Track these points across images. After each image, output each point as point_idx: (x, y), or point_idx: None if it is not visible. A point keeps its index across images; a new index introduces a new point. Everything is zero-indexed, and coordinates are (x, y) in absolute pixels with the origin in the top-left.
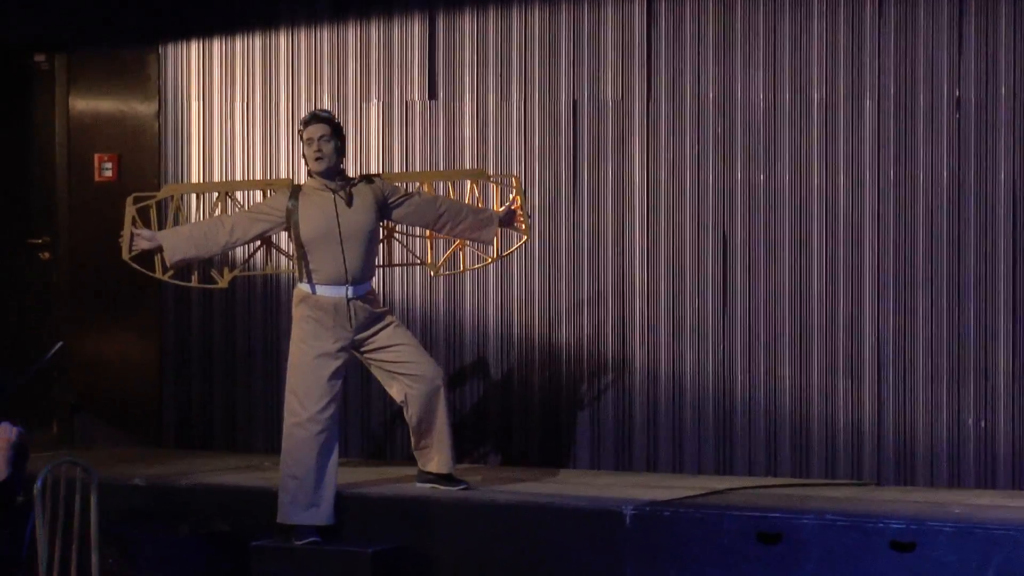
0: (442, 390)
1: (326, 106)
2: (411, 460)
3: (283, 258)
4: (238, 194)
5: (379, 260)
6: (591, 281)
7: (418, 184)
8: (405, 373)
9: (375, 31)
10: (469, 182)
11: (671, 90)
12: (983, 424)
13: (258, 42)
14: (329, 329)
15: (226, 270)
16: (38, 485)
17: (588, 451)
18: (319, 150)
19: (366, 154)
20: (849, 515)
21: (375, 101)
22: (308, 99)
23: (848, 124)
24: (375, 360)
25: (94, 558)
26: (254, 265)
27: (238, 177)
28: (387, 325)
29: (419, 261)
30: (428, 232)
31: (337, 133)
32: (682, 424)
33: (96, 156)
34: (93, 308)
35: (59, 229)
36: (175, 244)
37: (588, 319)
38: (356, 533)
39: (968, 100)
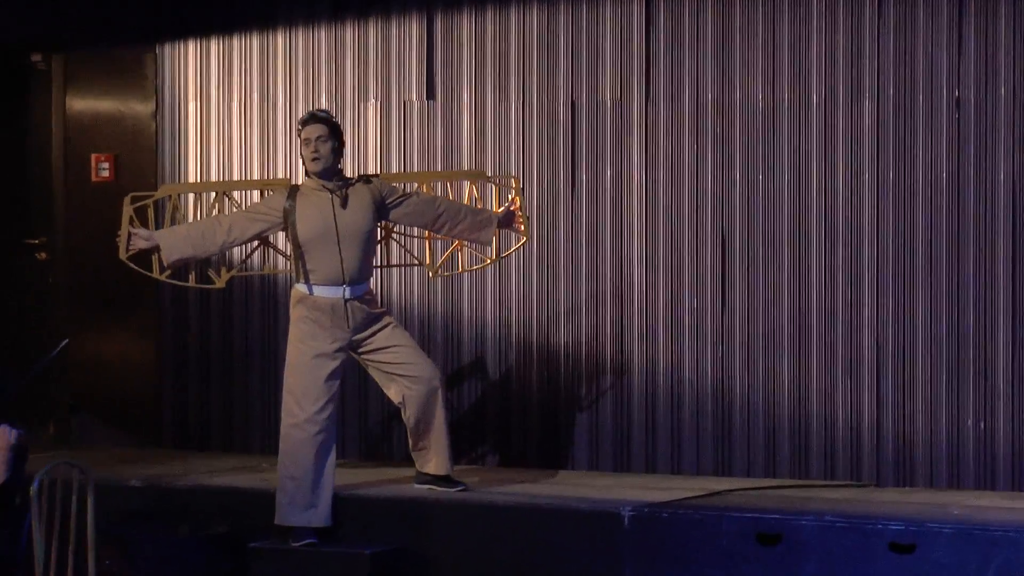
0: (440, 391)
1: (324, 106)
2: (409, 461)
3: (281, 258)
4: (235, 194)
5: (377, 261)
6: (589, 282)
7: (416, 184)
8: (403, 374)
9: (373, 31)
10: (468, 183)
11: (670, 91)
12: (983, 425)
13: (256, 42)
14: (326, 330)
15: (224, 270)
16: (35, 486)
17: (586, 452)
18: (316, 151)
19: (364, 154)
20: (848, 516)
21: (373, 101)
22: (306, 99)
23: (847, 125)
24: (373, 361)
25: (90, 559)
26: (252, 265)
27: (235, 177)
28: (385, 326)
29: (417, 262)
30: (427, 233)
31: (335, 133)
32: (681, 425)
33: (93, 156)
34: (90, 308)
35: (56, 229)
36: (172, 244)
37: (586, 320)
38: (354, 534)
39: (967, 101)
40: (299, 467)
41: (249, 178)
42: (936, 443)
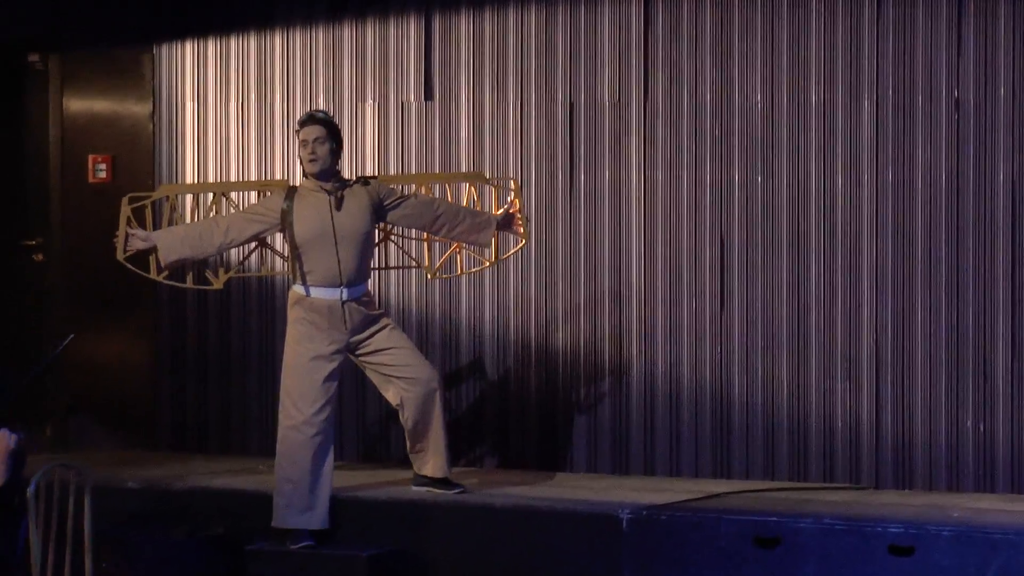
0: (438, 393)
1: (321, 107)
2: (407, 463)
3: (278, 260)
4: (233, 195)
5: (376, 263)
6: (588, 283)
7: (414, 186)
8: (401, 376)
9: (371, 31)
10: (467, 184)
11: (668, 91)
12: (982, 427)
13: (253, 42)
14: (324, 331)
15: (221, 271)
16: (31, 489)
17: (585, 454)
18: (313, 152)
19: (362, 155)
20: (847, 519)
21: (371, 102)
22: (303, 100)
23: (846, 126)
24: (371, 363)
25: (88, 561)
26: (249, 267)
27: (233, 178)
28: (383, 328)
29: (415, 264)
30: (425, 235)
31: (333, 135)
32: (679, 427)
33: (90, 157)
34: (87, 310)
35: (53, 230)
36: (170, 245)
37: (585, 321)
38: (352, 536)
39: (967, 101)
40: (296, 469)
41: (246, 179)
42: (935, 445)
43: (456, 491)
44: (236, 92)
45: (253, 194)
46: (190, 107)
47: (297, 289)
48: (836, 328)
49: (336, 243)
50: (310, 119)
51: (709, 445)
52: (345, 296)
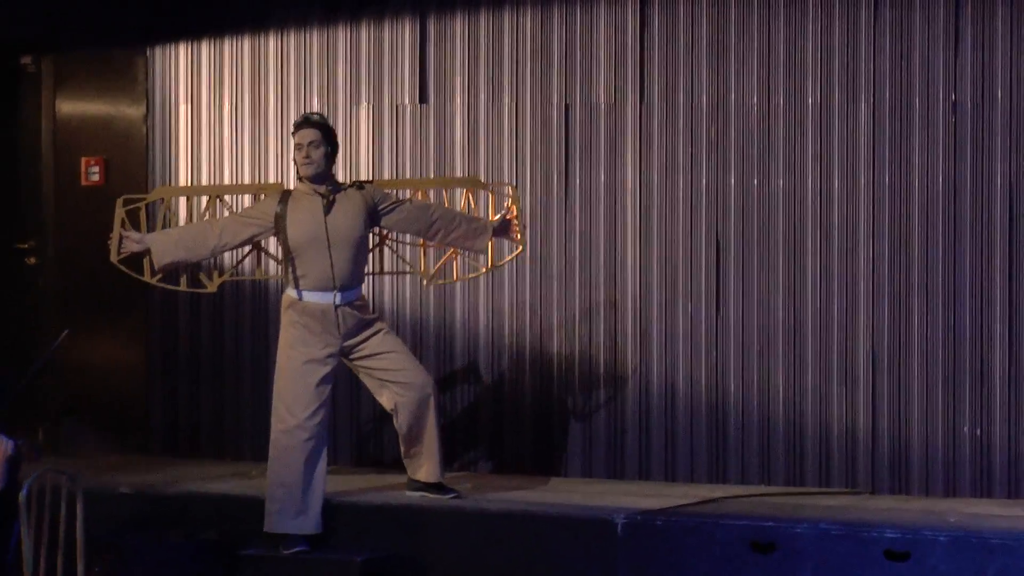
0: (432, 398)
1: (316, 110)
2: (401, 468)
3: (272, 263)
4: (227, 198)
5: (370, 268)
6: (583, 286)
7: (409, 191)
8: (395, 381)
9: (365, 34)
10: (464, 190)
11: (664, 94)
12: (979, 432)
13: (247, 45)
14: (317, 335)
15: (215, 274)
16: (23, 494)
17: (580, 459)
18: (308, 156)
19: (356, 158)
20: (843, 524)
21: (365, 105)
22: (297, 103)
23: (843, 128)
24: (364, 367)
25: (80, 567)
26: (243, 270)
27: (227, 181)
28: (377, 332)
29: (411, 270)
30: (420, 240)
31: (328, 138)
32: (675, 431)
33: (83, 160)
34: (80, 313)
35: (46, 233)
36: (164, 247)
37: (580, 325)
38: (346, 541)
39: (964, 103)
40: (289, 474)
41: (240, 181)
42: (932, 450)
43: (450, 496)
44: (230, 94)
45: (247, 197)
46: (184, 109)
47: (290, 293)
48: (832, 331)
49: (329, 247)
50: (305, 122)
51: (705, 449)
52: (338, 300)
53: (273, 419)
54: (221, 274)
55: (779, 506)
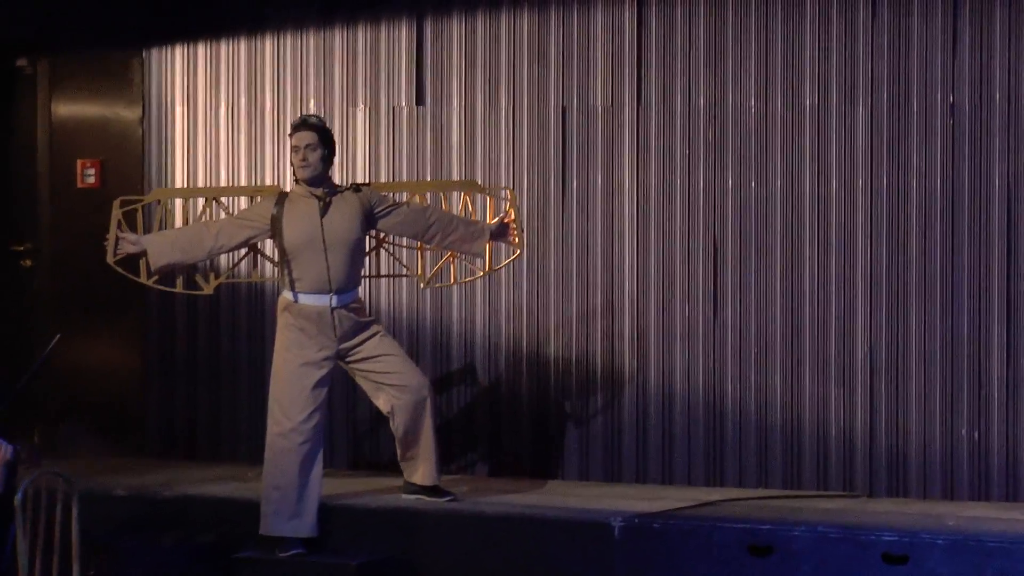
0: (429, 401)
1: (312, 112)
2: (397, 470)
3: (269, 265)
4: (224, 200)
5: (367, 270)
6: (580, 288)
7: (406, 194)
8: (391, 384)
9: (362, 36)
10: (461, 193)
11: (662, 96)
12: (977, 435)
13: (243, 47)
14: (313, 338)
15: (212, 276)
16: (19, 497)
17: (577, 462)
18: (304, 159)
19: (352, 161)
20: (841, 527)
21: (362, 107)
22: (294, 105)
23: (841, 130)
24: (361, 370)
25: (75, 569)
26: (240, 272)
27: (223, 183)
28: (373, 335)
29: (408, 273)
30: (418, 243)
31: (325, 141)
32: (672, 434)
33: (79, 162)
34: (75, 316)
35: (42, 235)
36: (160, 249)
37: (577, 327)
38: (342, 544)
39: (962, 105)
40: (284, 477)
41: (236, 184)
42: (930, 453)
43: (446, 499)
44: (226, 96)
45: (244, 199)
46: (180, 111)
47: (286, 295)
48: (830, 334)
49: (325, 249)
50: (303, 124)
51: (702, 452)
52: (334, 303)
53: (269, 422)
54: (217, 276)
55: (777, 509)
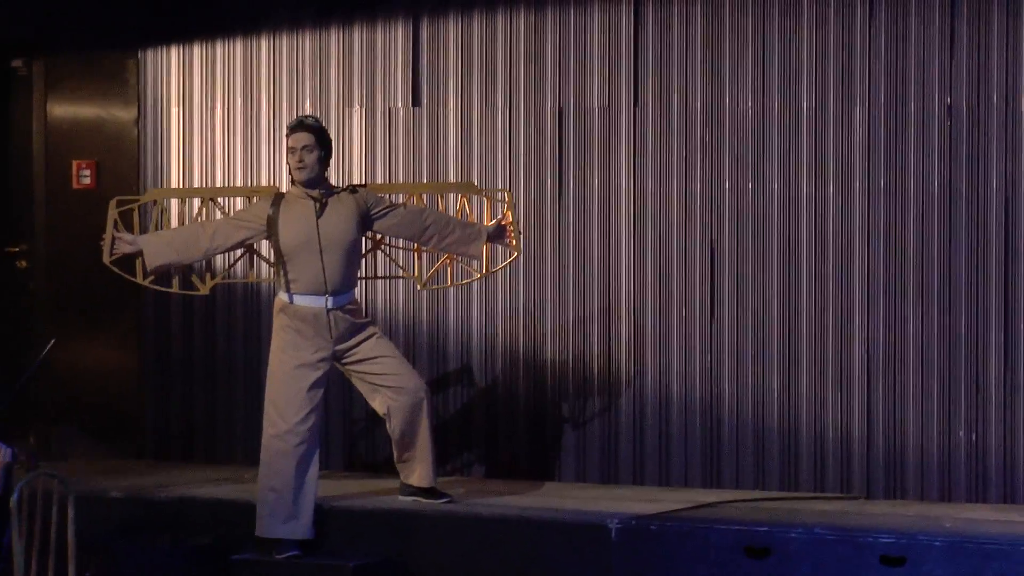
0: (425, 403)
1: (308, 112)
2: (393, 472)
3: (265, 266)
4: (220, 200)
5: (364, 272)
6: (576, 290)
7: (403, 196)
8: (388, 385)
9: (358, 37)
10: (459, 195)
11: (658, 97)
12: (974, 436)
13: (239, 47)
14: (309, 339)
15: (208, 277)
16: (14, 498)
17: (573, 463)
18: (301, 160)
19: (348, 162)
20: (838, 529)
21: (357, 108)
22: (290, 105)
23: (838, 132)
24: (357, 372)
25: (71, 571)
26: (236, 273)
27: (218, 184)
28: (369, 336)
29: (404, 274)
30: (415, 245)
31: (322, 142)
32: (669, 436)
33: (74, 163)
34: (71, 317)
35: (37, 236)
36: (156, 249)
37: (574, 329)
38: (339, 546)
39: (960, 107)
40: (280, 478)
41: (232, 185)
42: (927, 454)
43: (443, 501)
44: (222, 97)
45: (240, 200)
46: (175, 112)
47: (282, 296)
48: (827, 336)
49: (321, 251)
50: (300, 125)
51: (699, 454)
52: (330, 304)
53: (265, 423)
54: (214, 277)
55: (774, 511)
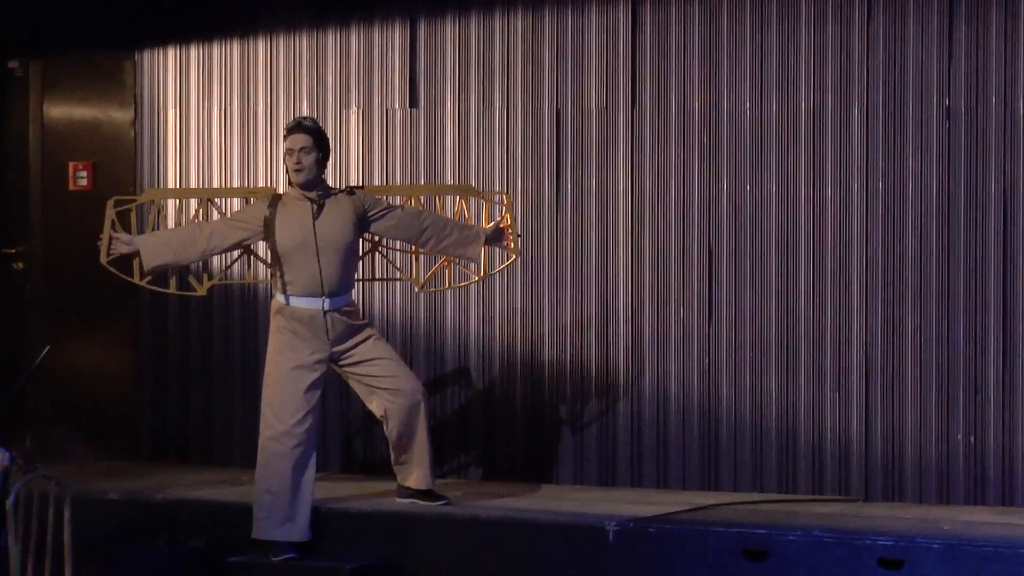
0: (422, 405)
1: (305, 114)
2: (390, 474)
3: (262, 267)
4: (217, 201)
5: (361, 274)
6: (574, 292)
7: (400, 198)
8: (385, 387)
9: (355, 38)
10: (457, 197)
11: (656, 98)
12: (973, 439)
13: (236, 48)
14: (306, 341)
15: (205, 278)
16: (11, 500)
17: (571, 466)
18: (299, 162)
19: (346, 163)
20: (837, 531)
21: (355, 109)
22: (287, 107)
23: (836, 134)
24: (354, 374)
25: (67, 573)
26: (233, 274)
27: (216, 185)
28: (366, 338)
29: (402, 276)
30: (412, 247)
31: (319, 144)
32: (667, 438)
33: (71, 164)
34: (68, 318)
35: (33, 238)
36: (153, 249)
37: (571, 331)
38: (336, 548)
39: (958, 109)
40: (276, 480)
41: (229, 185)
42: (926, 457)
43: (440, 503)
44: (219, 99)
45: (238, 200)
46: (172, 113)
47: (279, 298)
48: (825, 338)
49: (318, 253)
50: (297, 127)
51: (697, 457)
52: (327, 306)
53: (261, 425)
54: (211, 277)
55: (772, 513)
